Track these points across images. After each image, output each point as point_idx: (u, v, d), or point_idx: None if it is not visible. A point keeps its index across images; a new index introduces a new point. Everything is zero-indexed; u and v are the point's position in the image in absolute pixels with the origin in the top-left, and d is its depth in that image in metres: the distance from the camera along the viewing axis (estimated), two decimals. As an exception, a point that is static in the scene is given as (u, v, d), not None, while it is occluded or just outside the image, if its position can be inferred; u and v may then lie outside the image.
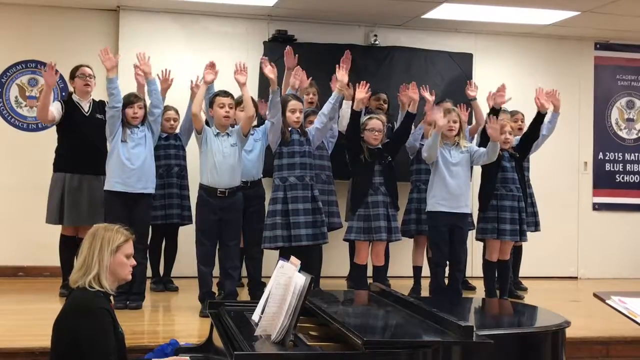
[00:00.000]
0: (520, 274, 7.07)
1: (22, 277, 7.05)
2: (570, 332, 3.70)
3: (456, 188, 5.85)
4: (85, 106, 6.07)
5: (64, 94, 6.90)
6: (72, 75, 6.11)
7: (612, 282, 7.70)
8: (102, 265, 3.14)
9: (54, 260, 6.13)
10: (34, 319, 5.07)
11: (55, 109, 5.95)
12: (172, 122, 6.47)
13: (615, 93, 8.41)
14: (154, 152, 5.83)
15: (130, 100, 5.69)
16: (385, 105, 6.91)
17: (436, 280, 5.99)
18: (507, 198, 6.01)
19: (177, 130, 6.50)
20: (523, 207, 6.07)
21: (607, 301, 4.05)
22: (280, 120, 5.43)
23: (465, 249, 6.04)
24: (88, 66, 6.13)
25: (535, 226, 6.76)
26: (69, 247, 5.99)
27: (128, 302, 5.53)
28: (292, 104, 5.50)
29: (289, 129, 5.50)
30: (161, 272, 6.65)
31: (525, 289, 6.99)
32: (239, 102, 5.69)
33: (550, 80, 8.15)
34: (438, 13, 7.20)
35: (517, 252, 6.77)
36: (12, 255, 7.06)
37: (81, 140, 6.00)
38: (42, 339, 4.10)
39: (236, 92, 5.67)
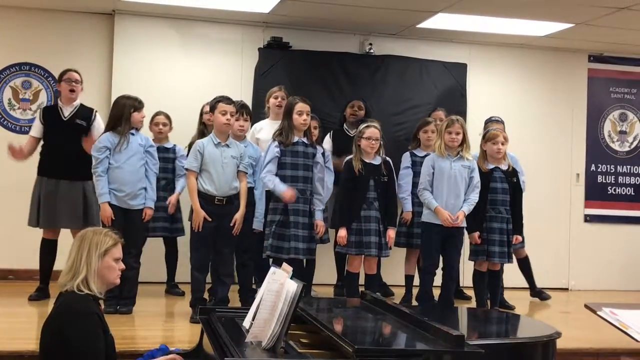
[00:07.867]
0: (511, 285, 7.06)
1: (11, 280, 7.01)
2: (560, 343, 3.70)
3: (453, 204, 5.78)
4: (67, 111, 6.05)
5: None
6: (59, 79, 6.11)
7: (603, 294, 7.69)
8: (90, 268, 3.12)
9: (45, 264, 6.10)
10: (24, 322, 5.06)
11: (37, 132, 6.07)
12: (161, 127, 6.43)
13: (608, 105, 8.42)
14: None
15: (135, 106, 5.65)
16: (362, 112, 6.76)
17: (423, 287, 5.95)
18: (496, 220, 5.99)
19: (168, 141, 6.46)
20: (511, 228, 6.04)
21: (598, 312, 4.06)
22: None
23: (459, 257, 6.03)
24: (76, 71, 6.12)
25: None
26: (48, 250, 6.03)
27: (118, 307, 5.51)
28: (300, 106, 5.50)
29: (295, 139, 5.48)
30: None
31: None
32: (237, 111, 5.69)
33: (544, 92, 8.22)
34: (433, 23, 7.21)
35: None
36: (2, 259, 7.01)
37: (57, 145, 5.99)
38: (32, 343, 4.09)
39: (234, 98, 5.66)
